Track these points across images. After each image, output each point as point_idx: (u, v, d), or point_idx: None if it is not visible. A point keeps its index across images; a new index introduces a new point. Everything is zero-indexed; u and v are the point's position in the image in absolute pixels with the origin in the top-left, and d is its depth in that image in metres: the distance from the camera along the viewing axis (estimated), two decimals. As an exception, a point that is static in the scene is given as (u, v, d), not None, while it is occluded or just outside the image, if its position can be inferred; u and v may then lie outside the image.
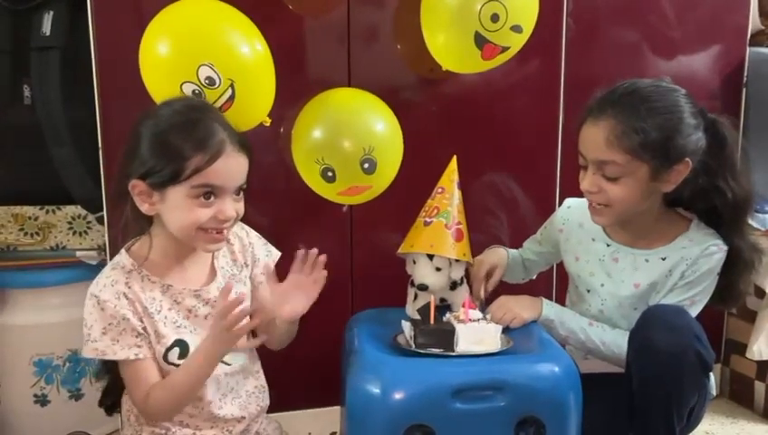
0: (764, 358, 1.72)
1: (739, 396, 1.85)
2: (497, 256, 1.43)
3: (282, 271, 1.18)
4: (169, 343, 1.07)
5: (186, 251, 1.11)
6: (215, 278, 1.13)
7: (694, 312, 1.22)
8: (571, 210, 1.39)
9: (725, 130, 1.22)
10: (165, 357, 1.07)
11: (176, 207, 1.04)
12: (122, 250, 1.10)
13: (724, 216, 1.23)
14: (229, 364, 1.13)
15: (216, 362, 1.06)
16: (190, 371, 1.06)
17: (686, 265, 1.22)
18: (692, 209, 1.28)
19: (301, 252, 1.15)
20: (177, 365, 1.07)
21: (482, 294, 1.36)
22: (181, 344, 1.08)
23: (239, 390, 1.16)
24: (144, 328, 1.06)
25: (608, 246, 1.31)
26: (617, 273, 1.29)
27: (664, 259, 1.24)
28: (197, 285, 1.12)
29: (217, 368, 1.08)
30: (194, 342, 1.09)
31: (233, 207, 1.06)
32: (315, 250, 1.14)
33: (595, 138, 1.18)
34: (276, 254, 1.24)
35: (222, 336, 1.03)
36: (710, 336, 1.19)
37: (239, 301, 1.01)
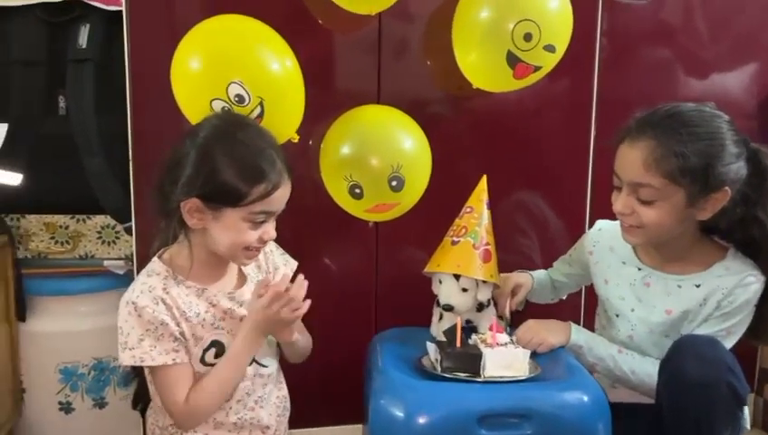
0: (800, 388, 1.67)
1: (773, 427, 1.79)
2: (522, 277, 1.42)
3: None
4: (207, 344, 1.09)
5: (221, 260, 1.13)
6: (246, 282, 1.16)
7: (729, 343, 1.18)
8: (602, 233, 1.36)
9: None
10: (202, 358, 1.09)
11: (228, 228, 1.05)
12: (155, 258, 1.11)
13: (762, 247, 1.18)
14: (266, 366, 1.15)
15: (256, 351, 1.09)
16: (232, 362, 1.08)
17: (722, 295, 1.18)
18: (729, 239, 1.24)
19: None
20: (214, 365, 1.09)
21: (507, 311, 1.34)
22: (218, 345, 1.10)
23: (270, 397, 1.17)
24: (181, 332, 1.06)
25: (639, 269, 1.28)
26: (648, 298, 1.25)
27: (698, 286, 1.20)
28: (230, 288, 1.14)
29: (251, 369, 1.11)
30: (229, 343, 1.10)
31: (274, 227, 1.10)
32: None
33: (632, 159, 1.15)
34: (294, 263, 1.26)
35: (266, 325, 1.07)
36: (744, 365, 1.14)
37: (285, 281, 1.05)
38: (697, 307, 1.20)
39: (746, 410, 1.20)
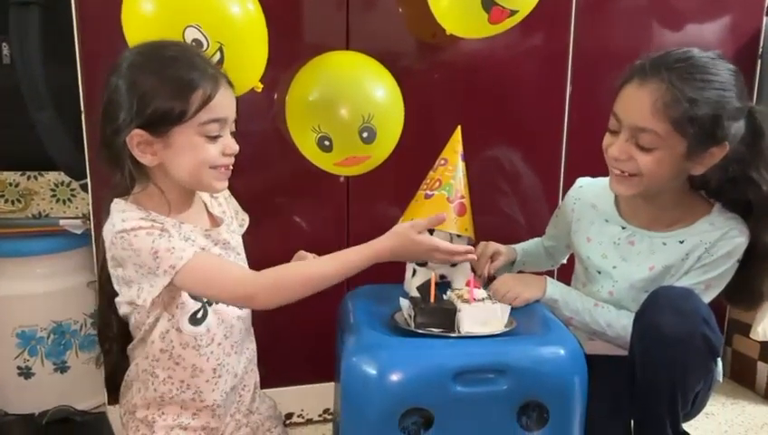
0: (768, 338, 1.69)
1: (741, 377, 1.83)
2: (505, 247, 1.39)
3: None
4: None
5: (188, 201, 1.07)
6: (222, 223, 1.11)
7: (707, 297, 1.16)
8: (583, 190, 1.33)
9: (763, 121, 1.14)
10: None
11: (184, 149, 0.98)
12: (118, 200, 1.01)
13: (755, 209, 1.15)
14: (241, 308, 1.08)
15: (366, 265, 1.07)
16: (340, 262, 1.05)
17: (705, 249, 1.16)
18: (718, 198, 1.21)
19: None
20: (196, 299, 1.02)
21: (485, 273, 1.32)
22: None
23: (243, 344, 1.13)
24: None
25: (623, 228, 1.25)
26: (632, 256, 1.23)
27: (682, 242, 1.18)
28: (206, 226, 1.08)
29: (235, 310, 1.06)
30: None
31: (233, 140, 1.03)
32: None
33: (639, 101, 1.09)
34: (245, 216, 1.21)
35: (405, 254, 1.10)
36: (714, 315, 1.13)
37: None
38: (679, 262, 1.18)
39: (720, 363, 1.20)
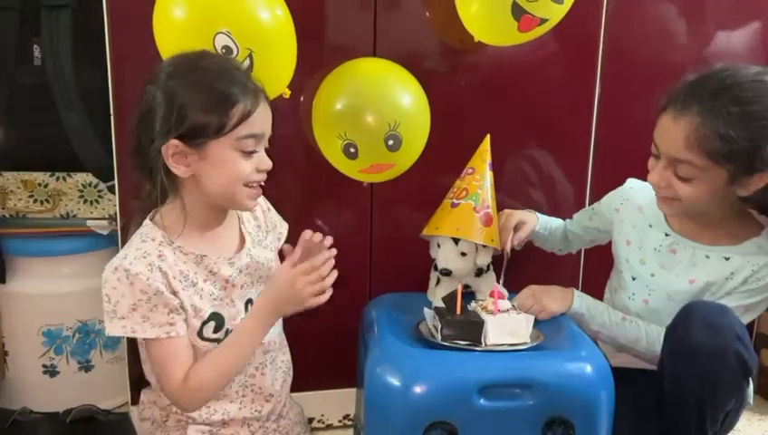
0: (797, 353, 1.65)
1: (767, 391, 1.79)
2: (527, 215, 1.37)
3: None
4: (206, 316, 1.02)
5: (219, 218, 1.07)
6: (244, 245, 1.09)
7: (744, 320, 1.13)
8: (633, 191, 1.30)
9: None
10: (200, 332, 1.02)
11: (219, 163, 0.98)
12: (147, 221, 1.03)
13: None
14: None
15: (266, 333, 1.03)
16: (240, 343, 1.01)
17: (752, 272, 1.13)
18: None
19: (306, 233, 1.09)
20: (213, 340, 1.02)
21: (508, 246, 1.29)
22: (217, 318, 1.03)
23: (274, 362, 1.13)
24: (180, 303, 0.99)
25: (666, 235, 1.22)
26: (672, 265, 1.20)
27: (727, 259, 1.15)
28: (230, 252, 1.07)
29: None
30: (230, 314, 1.04)
31: (267, 157, 1.03)
32: (319, 235, 1.09)
33: (674, 134, 1.07)
34: (285, 225, 1.21)
35: (290, 299, 1.00)
36: (744, 331, 1.11)
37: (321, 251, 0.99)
38: (722, 280, 1.16)
39: (751, 383, 1.17)
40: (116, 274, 0.96)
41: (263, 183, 1.04)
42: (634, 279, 1.24)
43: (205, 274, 1.02)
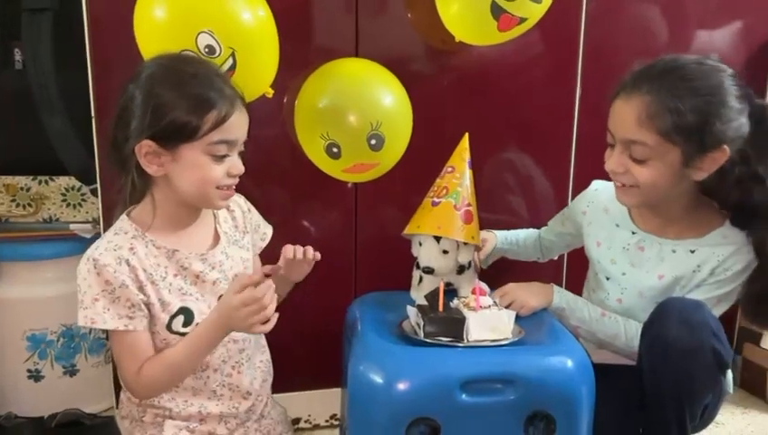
0: (779, 348, 1.68)
1: (751, 386, 1.81)
2: (486, 234, 1.42)
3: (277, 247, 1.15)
4: (174, 310, 1.03)
5: (191, 215, 1.08)
6: (219, 242, 1.10)
7: (717, 311, 1.15)
8: (598, 193, 1.32)
9: None
10: (169, 325, 1.03)
11: (190, 166, 0.99)
12: (123, 216, 1.05)
13: (759, 209, 1.13)
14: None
15: (218, 343, 1.03)
16: (191, 347, 1.02)
17: (717, 262, 1.15)
18: (724, 203, 1.19)
19: (287, 249, 1.12)
20: (182, 334, 1.04)
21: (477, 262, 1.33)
22: (186, 312, 1.04)
23: (251, 361, 1.14)
24: (146, 297, 1.01)
25: (633, 233, 1.24)
26: (641, 262, 1.22)
27: (693, 252, 1.17)
28: (203, 249, 1.08)
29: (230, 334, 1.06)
30: (199, 309, 1.05)
31: (240, 161, 1.04)
32: (300, 252, 1.12)
33: (626, 115, 1.10)
34: (269, 228, 1.23)
35: (234, 323, 0.99)
36: (723, 324, 1.12)
37: (266, 287, 0.97)
38: (690, 273, 1.17)
39: (729, 374, 1.19)
40: (87, 264, 0.99)
41: (234, 186, 1.05)
42: (608, 279, 1.26)
43: (175, 268, 1.04)
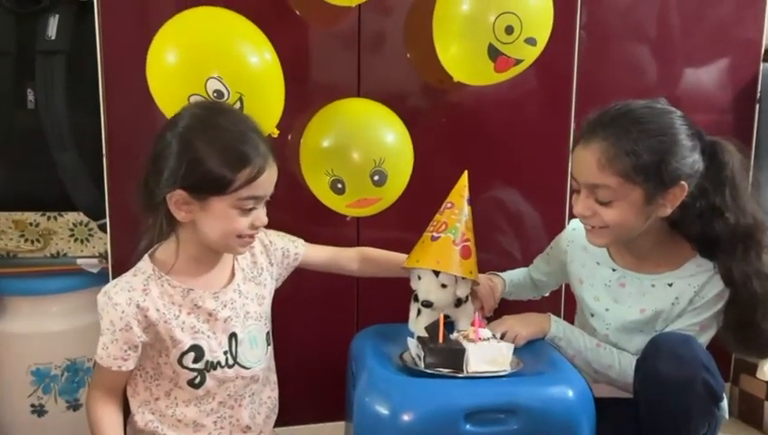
0: (775, 378, 1.69)
1: (748, 416, 1.82)
2: (497, 280, 1.43)
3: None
4: (185, 347, 1.06)
5: (212, 256, 1.11)
6: (233, 280, 1.13)
7: (703, 339, 1.18)
8: (576, 232, 1.35)
9: (725, 152, 1.18)
10: (180, 361, 1.06)
11: (217, 217, 1.03)
12: (145, 256, 1.09)
13: (721, 241, 1.17)
14: (247, 368, 1.12)
15: None
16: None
17: (694, 292, 1.18)
18: (690, 235, 1.22)
19: None
20: (192, 369, 1.07)
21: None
22: (197, 350, 1.07)
23: (255, 396, 1.16)
24: (147, 340, 1.04)
25: (614, 270, 1.28)
26: (623, 298, 1.26)
27: (671, 285, 1.21)
28: (218, 287, 1.11)
29: (233, 372, 1.09)
30: (210, 346, 1.08)
31: (264, 213, 1.08)
32: None
33: (587, 161, 1.15)
34: (300, 242, 1.27)
35: None
36: (720, 355, 1.15)
37: None
38: (670, 306, 1.21)
39: (725, 401, 1.21)
40: (102, 297, 1.04)
41: (255, 235, 1.09)
42: (593, 316, 1.29)
43: (189, 307, 1.07)
